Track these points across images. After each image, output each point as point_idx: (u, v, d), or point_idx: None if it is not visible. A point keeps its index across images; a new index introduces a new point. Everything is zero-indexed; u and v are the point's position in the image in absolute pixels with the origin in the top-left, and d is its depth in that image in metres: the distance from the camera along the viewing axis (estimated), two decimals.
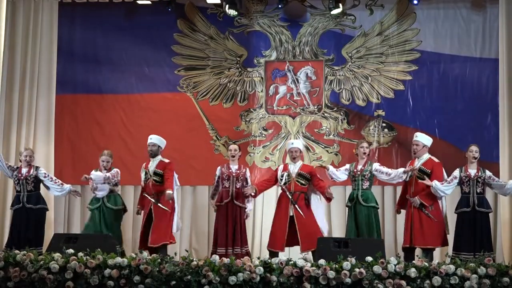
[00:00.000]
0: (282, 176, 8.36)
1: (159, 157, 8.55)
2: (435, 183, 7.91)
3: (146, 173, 8.50)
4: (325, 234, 8.28)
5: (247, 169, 8.84)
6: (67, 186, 8.64)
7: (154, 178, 8.42)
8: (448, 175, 8.34)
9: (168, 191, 8.21)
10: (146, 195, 8.43)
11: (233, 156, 8.69)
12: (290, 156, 8.49)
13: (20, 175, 8.51)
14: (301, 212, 8.13)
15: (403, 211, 8.38)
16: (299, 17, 10.06)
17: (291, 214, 8.20)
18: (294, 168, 8.35)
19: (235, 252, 8.36)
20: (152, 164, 8.50)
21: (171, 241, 8.34)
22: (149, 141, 8.59)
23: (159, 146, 8.57)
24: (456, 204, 8.27)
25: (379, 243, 6.99)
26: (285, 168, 8.43)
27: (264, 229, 9.58)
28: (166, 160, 8.54)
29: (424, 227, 7.99)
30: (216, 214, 8.72)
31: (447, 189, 8.02)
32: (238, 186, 8.61)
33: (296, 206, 8.15)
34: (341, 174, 8.47)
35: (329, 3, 9.53)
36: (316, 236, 7.96)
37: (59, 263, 6.65)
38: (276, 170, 8.60)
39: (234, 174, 8.63)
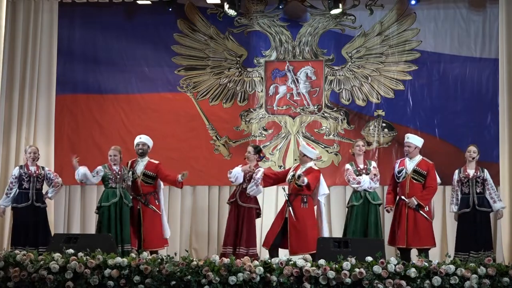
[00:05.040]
0: (289, 175, 8.35)
1: (147, 158, 8.60)
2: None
3: (133, 173, 8.53)
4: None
5: (261, 169, 8.49)
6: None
7: (143, 179, 8.49)
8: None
9: (180, 175, 8.31)
10: (135, 196, 8.52)
11: (248, 158, 8.52)
12: (300, 159, 8.44)
13: (29, 171, 8.50)
14: (293, 215, 8.07)
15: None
16: (299, 17, 10.07)
17: (286, 215, 8.14)
18: (300, 170, 8.30)
19: (239, 252, 8.23)
20: (140, 164, 8.55)
21: (166, 245, 8.53)
22: (138, 140, 8.66)
23: (148, 146, 8.61)
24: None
25: (379, 243, 7.00)
26: (296, 168, 8.37)
27: (264, 230, 9.57)
28: (155, 161, 8.60)
29: (419, 228, 8.01)
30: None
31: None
32: (244, 186, 8.48)
33: (290, 208, 8.10)
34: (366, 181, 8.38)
35: (329, 3, 9.56)
36: (309, 241, 7.92)
37: (59, 263, 6.66)
38: (289, 169, 8.56)
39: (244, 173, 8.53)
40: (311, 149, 8.38)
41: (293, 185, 8.19)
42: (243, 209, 8.43)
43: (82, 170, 8.33)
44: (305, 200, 8.13)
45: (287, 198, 8.15)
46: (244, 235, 8.36)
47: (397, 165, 8.31)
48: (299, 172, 8.19)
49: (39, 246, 7.97)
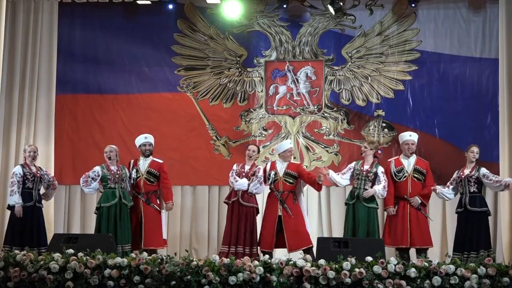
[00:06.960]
0: (269, 175, 8.33)
1: (151, 157, 8.58)
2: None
3: (137, 171, 8.50)
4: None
5: (260, 167, 8.50)
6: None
7: (147, 177, 8.45)
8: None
9: (170, 203, 8.40)
10: (137, 194, 8.49)
11: (250, 157, 8.52)
12: (286, 156, 8.39)
13: (33, 171, 8.37)
14: (289, 212, 8.11)
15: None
16: (300, 16, 10.08)
17: (280, 213, 8.16)
18: (282, 167, 8.31)
19: (241, 252, 8.18)
20: (144, 163, 8.51)
21: (165, 246, 8.51)
22: (144, 140, 8.59)
23: (153, 145, 8.61)
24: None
25: (379, 243, 7.01)
26: (273, 167, 8.38)
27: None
28: (160, 161, 8.57)
29: (422, 227, 8.03)
30: (226, 213, 8.62)
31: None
32: None
33: (285, 205, 8.13)
34: (342, 179, 8.34)
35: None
36: (304, 235, 8.04)
37: (59, 263, 6.66)
38: (264, 169, 8.48)
39: (244, 173, 8.46)
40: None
41: (282, 183, 8.21)
42: (245, 209, 8.39)
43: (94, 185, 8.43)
44: (295, 197, 8.23)
45: (279, 198, 8.17)
46: (248, 235, 8.32)
47: (392, 165, 8.27)
48: (284, 169, 8.24)
49: (35, 246, 7.88)
